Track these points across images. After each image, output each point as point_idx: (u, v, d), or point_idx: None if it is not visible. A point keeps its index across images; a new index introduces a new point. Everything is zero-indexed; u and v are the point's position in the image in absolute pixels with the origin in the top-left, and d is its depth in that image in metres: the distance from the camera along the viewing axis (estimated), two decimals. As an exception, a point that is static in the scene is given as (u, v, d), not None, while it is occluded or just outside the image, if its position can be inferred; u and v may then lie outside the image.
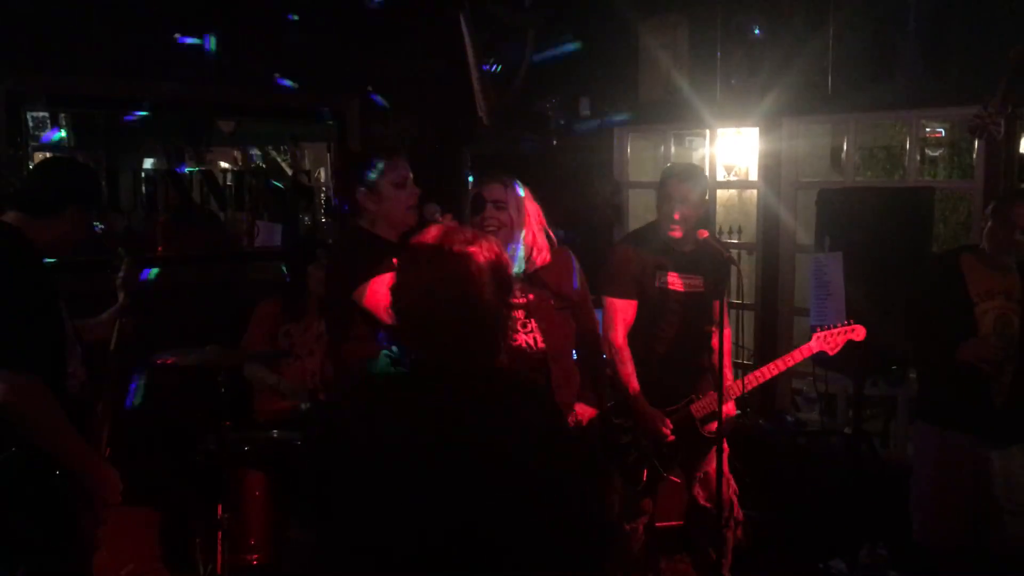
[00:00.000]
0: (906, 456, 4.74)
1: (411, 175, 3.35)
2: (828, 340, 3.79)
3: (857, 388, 4.24)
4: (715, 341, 3.83)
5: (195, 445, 4.00)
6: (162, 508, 3.94)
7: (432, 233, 1.94)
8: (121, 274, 3.39)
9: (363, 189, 3.28)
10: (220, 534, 3.70)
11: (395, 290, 1.93)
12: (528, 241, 3.47)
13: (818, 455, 4.79)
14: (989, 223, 3.62)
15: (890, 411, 4.91)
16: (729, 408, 3.88)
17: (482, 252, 1.89)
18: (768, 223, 5.22)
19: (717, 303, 3.80)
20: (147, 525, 3.91)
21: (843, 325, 3.80)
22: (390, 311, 1.99)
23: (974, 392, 3.58)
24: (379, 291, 2.93)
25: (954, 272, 3.67)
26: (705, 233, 3.72)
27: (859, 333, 3.79)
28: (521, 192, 3.51)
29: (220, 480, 3.78)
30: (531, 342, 3.42)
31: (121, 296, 3.36)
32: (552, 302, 3.49)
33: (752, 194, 5.54)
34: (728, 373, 3.96)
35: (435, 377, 1.88)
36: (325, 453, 2.01)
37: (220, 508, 3.71)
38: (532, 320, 3.45)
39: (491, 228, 3.40)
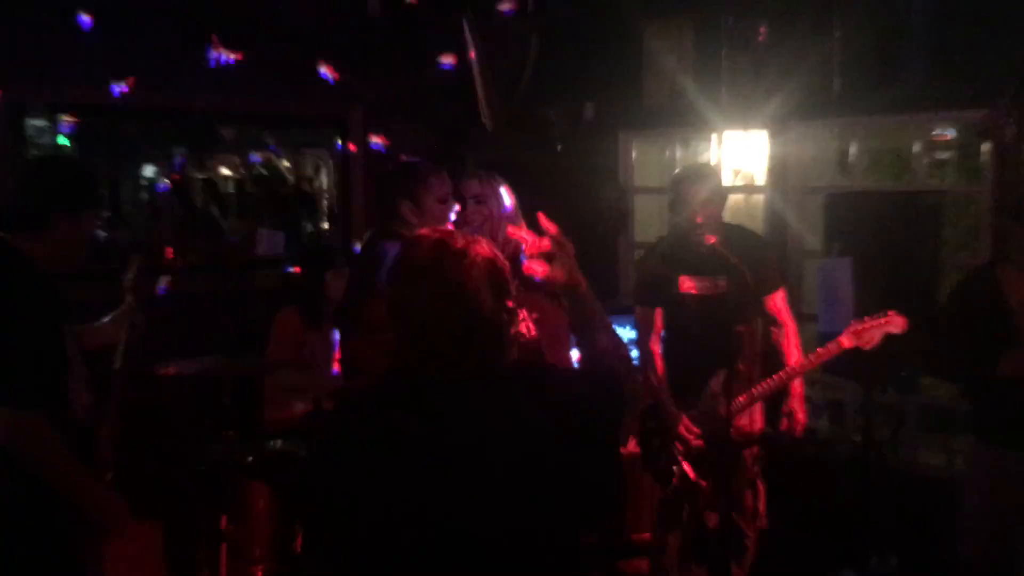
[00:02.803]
0: (916, 464, 4.70)
1: (451, 191, 3.39)
2: (862, 336, 3.55)
3: (866, 395, 4.18)
4: (782, 340, 3.87)
5: (199, 456, 3.97)
6: (166, 519, 3.91)
7: (425, 247, 1.91)
8: (129, 275, 3.17)
9: (408, 202, 3.31)
10: (224, 545, 3.67)
11: (392, 308, 1.91)
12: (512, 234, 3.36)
13: (827, 463, 4.74)
14: (1017, 229, 3.47)
15: (899, 419, 4.85)
16: (755, 420, 3.83)
17: (476, 261, 1.88)
18: (775, 228, 5.17)
19: (746, 303, 3.73)
20: (151, 536, 3.89)
21: (879, 317, 3.55)
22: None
23: None
24: None
25: (990, 284, 3.51)
26: (713, 239, 3.70)
27: (897, 324, 3.51)
28: (500, 186, 3.47)
29: (224, 491, 3.75)
30: (524, 331, 3.33)
31: (129, 299, 3.16)
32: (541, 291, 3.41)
33: (759, 199, 5.50)
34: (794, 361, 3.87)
35: (439, 388, 1.88)
36: (327, 459, 2.01)
37: (224, 519, 3.69)
38: (523, 309, 3.30)
39: (473, 224, 3.38)
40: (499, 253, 2.00)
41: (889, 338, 3.62)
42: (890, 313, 3.54)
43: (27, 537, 2.53)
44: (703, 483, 3.91)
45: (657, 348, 4.00)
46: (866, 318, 3.58)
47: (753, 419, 3.90)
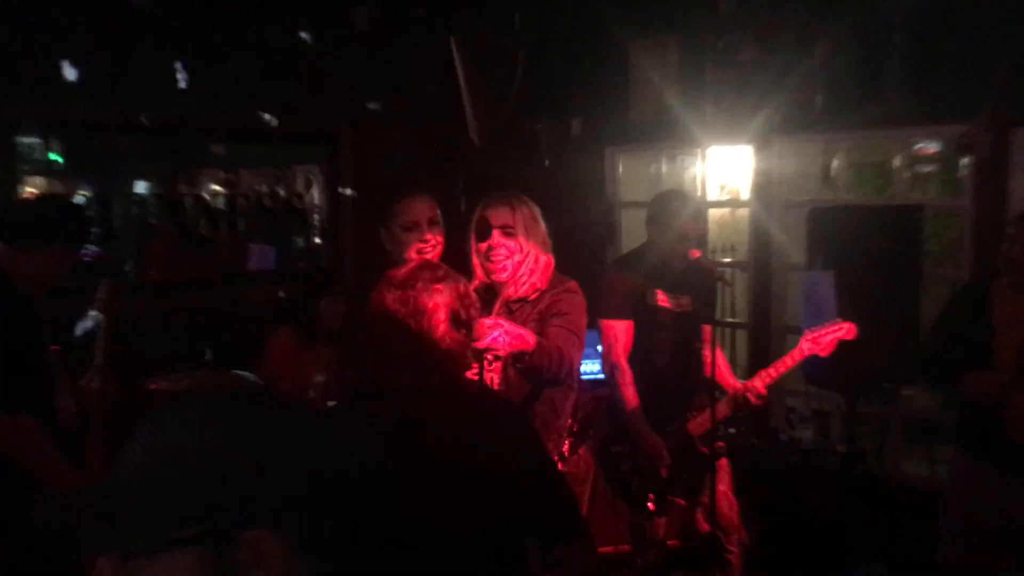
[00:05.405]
0: (900, 474, 4.74)
1: (430, 216, 3.16)
2: (819, 342, 3.69)
3: (850, 406, 4.24)
4: (707, 359, 3.83)
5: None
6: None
7: (406, 267, 2.11)
8: (98, 296, 3.27)
9: (382, 229, 3.20)
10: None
11: (364, 317, 2.07)
12: (530, 267, 3.11)
13: (812, 473, 4.78)
14: (1008, 243, 3.37)
15: (883, 429, 4.90)
16: (723, 409, 3.81)
17: (445, 291, 2.04)
18: (760, 241, 5.23)
19: (703, 323, 3.82)
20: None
21: (831, 325, 3.71)
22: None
23: (1001, 424, 3.35)
24: None
25: (981, 298, 3.46)
26: (697, 253, 3.76)
27: (849, 331, 3.67)
28: (531, 212, 3.15)
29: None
30: (488, 382, 3.06)
31: (103, 319, 3.23)
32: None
33: (744, 213, 5.56)
34: (730, 383, 3.89)
35: (391, 395, 2.05)
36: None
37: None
38: (499, 362, 3.03)
39: (500, 258, 3.07)
40: (473, 295, 2.10)
41: (873, 351, 3.76)
42: (841, 322, 3.71)
43: (28, 541, 2.58)
44: (680, 501, 3.93)
45: (627, 365, 3.84)
46: (819, 327, 3.71)
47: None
